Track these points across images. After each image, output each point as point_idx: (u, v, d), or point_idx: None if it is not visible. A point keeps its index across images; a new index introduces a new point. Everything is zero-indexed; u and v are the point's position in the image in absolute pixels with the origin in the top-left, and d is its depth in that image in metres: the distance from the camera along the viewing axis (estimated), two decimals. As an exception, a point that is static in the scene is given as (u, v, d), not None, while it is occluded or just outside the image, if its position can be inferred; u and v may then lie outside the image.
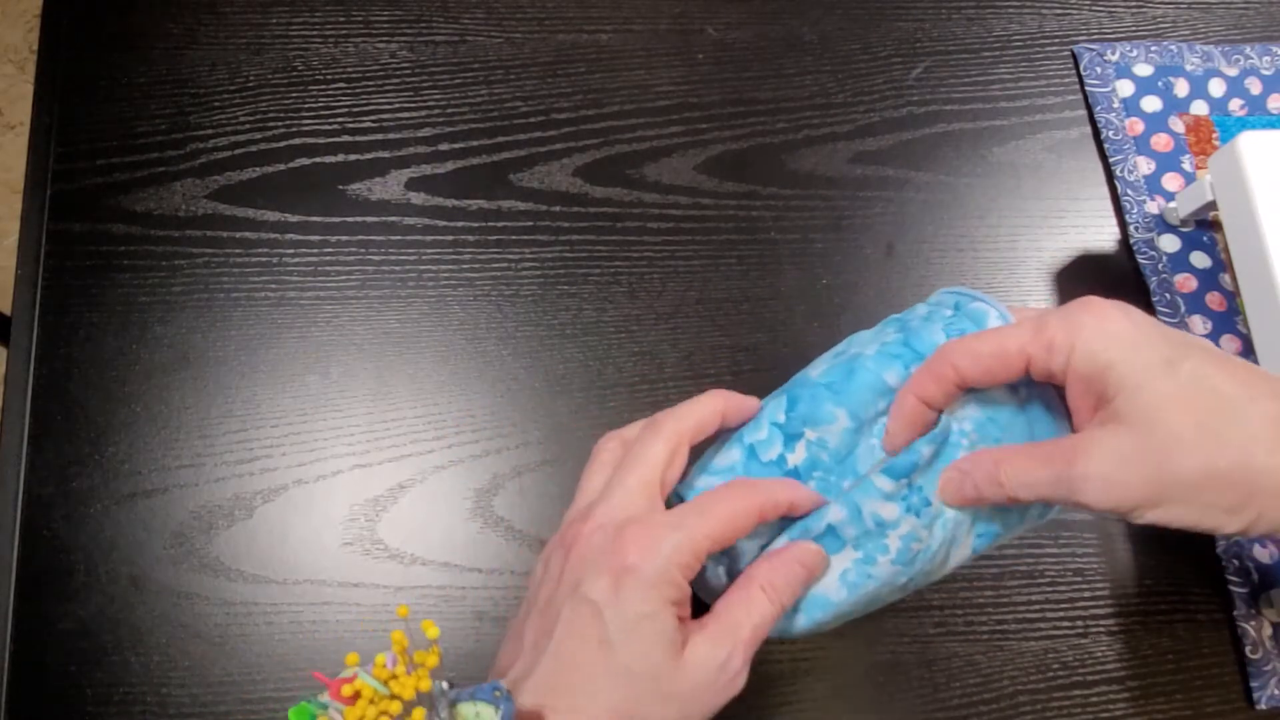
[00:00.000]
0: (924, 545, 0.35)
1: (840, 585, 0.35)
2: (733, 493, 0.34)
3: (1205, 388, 0.31)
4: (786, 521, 0.36)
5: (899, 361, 0.36)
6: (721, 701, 0.33)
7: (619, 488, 0.34)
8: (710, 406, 0.37)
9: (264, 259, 0.49)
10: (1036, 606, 0.46)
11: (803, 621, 0.36)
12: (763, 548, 0.36)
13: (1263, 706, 0.45)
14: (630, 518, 0.33)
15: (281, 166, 0.51)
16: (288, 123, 0.52)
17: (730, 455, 0.37)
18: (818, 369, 0.38)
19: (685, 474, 0.37)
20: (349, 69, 0.53)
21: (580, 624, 0.32)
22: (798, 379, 0.38)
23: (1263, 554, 0.47)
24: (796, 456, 0.36)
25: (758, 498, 0.34)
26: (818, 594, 0.35)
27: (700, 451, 0.38)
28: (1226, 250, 0.52)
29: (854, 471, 0.36)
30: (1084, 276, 0.52)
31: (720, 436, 0.38)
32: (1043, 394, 0.36)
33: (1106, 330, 0.32)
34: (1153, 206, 0.53)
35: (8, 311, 0.49)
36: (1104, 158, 0.54)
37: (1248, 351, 0.50)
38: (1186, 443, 0.31)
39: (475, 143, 0.52)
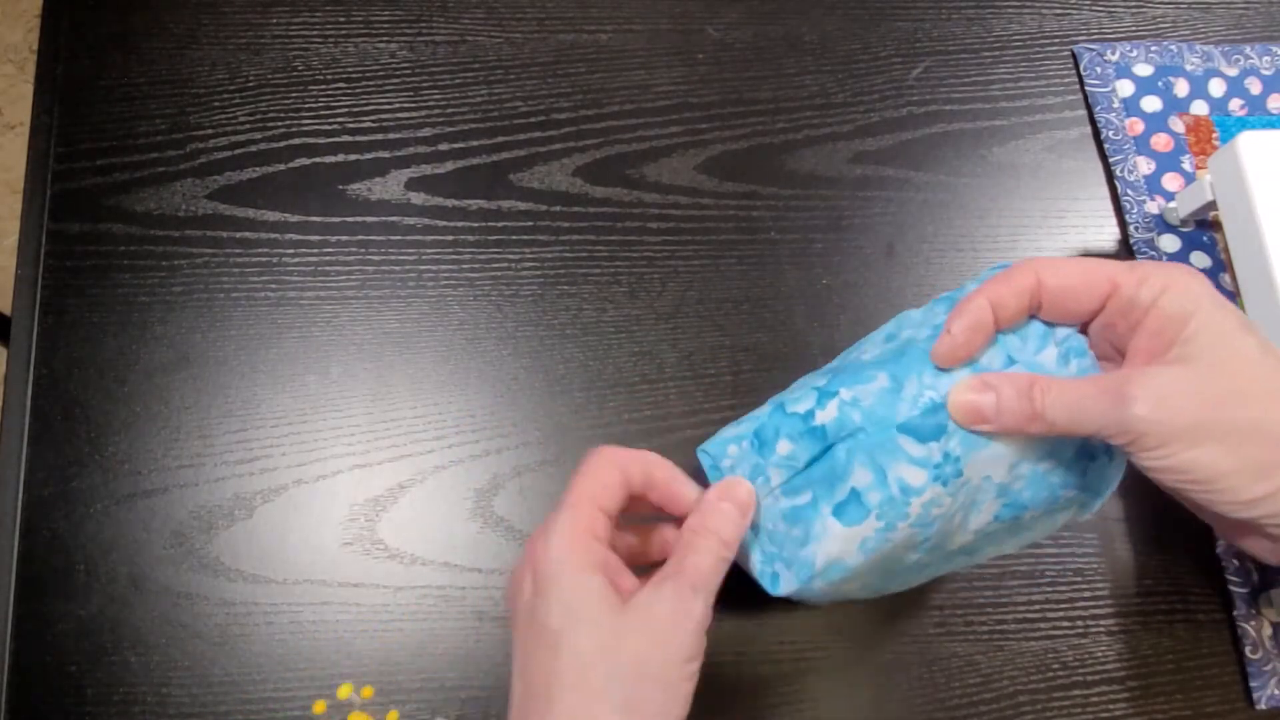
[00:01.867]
0: (943, 511, 0.34)
1: (858, 551, 0.34)
2: (589, 457, 0.35)
3: (1272, 362, 0.32)
4: (812, 478, 0.35)
5: None
6: (691, 640, 0.32)
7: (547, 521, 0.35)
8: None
9: (264, 259, 0.49)
10: (1036, 606, 0.46)
11: (819, 585, 0.35)
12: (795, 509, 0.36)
13: (1263, 706, 0.45)
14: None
15: (281, 166, 0.51)
16: (288, 123, 0.52)
17: (761, 409, 0.37)
18: (870, 352, 0.37)
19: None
20: (349, 69, 0.53)
21: (529, 636, 0.33)
22: (849, 361, 0.37)
23: (1263, 554, 0.47)
24: (827, 414, 0.35)
25: (615, 451, 0.35)
26: (835, 560, 0.35)
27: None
28: (1226, 250, 0.52)
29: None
30: (1084, 276, 0.52)
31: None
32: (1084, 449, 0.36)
33: (1194, 286, 0.33)
34: (1153, 206, 0.53)
35: (8, 311, 0.49)
36: (1104, 158, 0.54)
37: (1248, 351, 0.50)
38: (1247, 395, 0.32)
39: (475, 143, 0.52)
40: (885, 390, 0.34)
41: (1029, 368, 0.34)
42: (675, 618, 0.32)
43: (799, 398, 0.36)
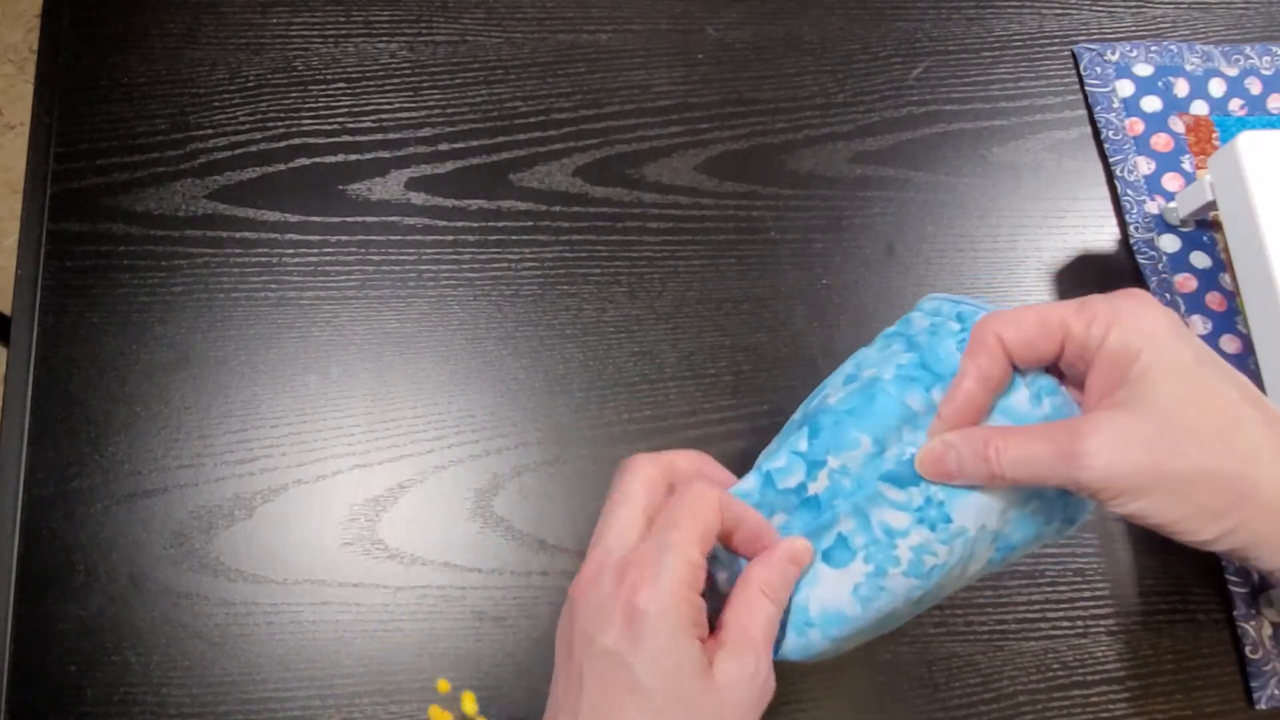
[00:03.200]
0: (940, 561, 0.34)
1: (854, 599, 0.35)
2: (689, 492, 0.34)
3: (1223, 396, 0.32)
4: (805, 529, 0.36)
5: (918, 385, 0.35)
6: (761, 710, 0.33)
7: (610, 526, 0.35)
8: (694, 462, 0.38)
9: (264, 259, 0.49)
10: (1036, 606, 0.46)
11: (818, 638, 0.35)
12: None
13: (1263, 706, 0.45)
14: (624, 556, 0.33)
15: (281, 166, 0.51)
16: (288, 123, 0.52)
17: (745, 482, 0.37)
18: (834, 396, 0.37)
19: None
20: (349, 69, 0.53)
21: (606, 677, 0.32)
22: (815, 408, 0.38)
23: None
24: (819, 485, 0.36)
25: (713, 489, 0.34)
26: (832, 610, 0.35)
27: None
28: (1226, 250, 0.52)
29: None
30: (1084, 276, 0.52)
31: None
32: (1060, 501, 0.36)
33: (1144, 319, 0.33)
34: (1153, 206, 0.53)
35: (8, 311, 0.49)
36: (1104, 158, 0.54)
37: (1248, 351, 0.50)
38: (1196, 439, 0.31)
39: (475, 143, 0.52)
40: (870, 455, 0.35)
41: (1002, 412, 0.35)
42: (763, 695, 0.33)
43: (786, 470, 0.36)
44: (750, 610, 0.34)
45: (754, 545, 0.35)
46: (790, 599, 0.35)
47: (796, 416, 0.39)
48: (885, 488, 0.34)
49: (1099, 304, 0.33)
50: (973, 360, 0.34)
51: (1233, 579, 0.46)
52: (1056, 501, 0.35)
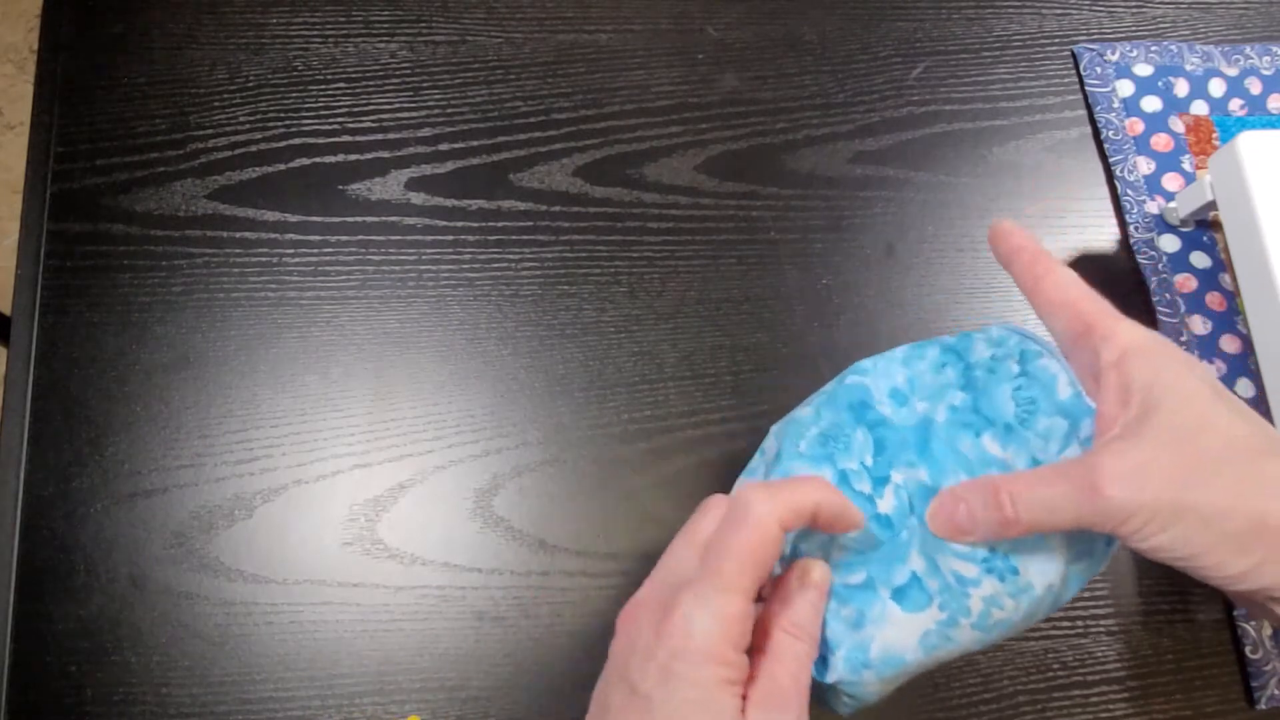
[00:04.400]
0: (1005, 615, 0.32)
1: (919, 646, 0.32)
2: (747, 517, 0.30)
3: (1241, 427, 0.31)
4: (870, 558, 0.33)
5: (969, 431, 0.35)
6: None
7: (672, 557, 0.33)
8: (811, 494, 0.32)
9: (264, 259, 0.49)
10: (1036, 606, 0.46)
11: (871, 679, 0.32)
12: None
13: (1263, 706, 0.45)
14: (676, 595, 0.30)
15: (281, 166, 0.51)
16: (288, 123, 0.52)
17: (820, 471, 0.35)
18: (887, 413, 0.35)
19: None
20: (349, 69, 0.53)
21: (631, 717, 0.30)
22: (873, 418, 0.35)
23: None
24: (887, 503, 0.34)
25: (776, 512, 0.30)
26: (895, 654, 0.32)
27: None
28: (1226, 250, 0.52)
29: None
30: (1084, 276, 0.51)
31: (782, 451, 0.36)
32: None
33: (1161, 353, 0.32)
34: (1153, 206, 0.53)
35: (8, 311, 0.49)
36: (1104, 158, 0.54)
37: (1248, 351, 0.50)
38: (1217, 470, 0.30)
39: (475, 143, 0.52)
40: (926, 488, 0.34)
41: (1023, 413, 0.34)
42: None
43: (859, 474, 0.34)
44: (780, 658, 0.31)
45: (840, 525, 0.32)
46: (848, 634, 0.33)
47: (839, 396, 0.36)
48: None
49: (1124, 327, 0.33)
50: (970, 512, 0.32)
51: (1233, 579, 0.46)
52: (1097, 555, 0.34)
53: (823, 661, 0.33)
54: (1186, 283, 0.51)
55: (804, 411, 0.37)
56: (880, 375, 0.37)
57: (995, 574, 0.33)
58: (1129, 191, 0.53)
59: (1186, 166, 0.54)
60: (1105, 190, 0.54)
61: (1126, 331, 0.33)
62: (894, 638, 0.32)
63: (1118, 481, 0.30)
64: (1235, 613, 0.46)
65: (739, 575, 0.30)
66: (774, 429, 0.38)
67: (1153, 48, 0.56)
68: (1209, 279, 0.52)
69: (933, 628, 0.32)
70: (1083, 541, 0.34)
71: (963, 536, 0.33)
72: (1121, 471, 0.30)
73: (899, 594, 0.33)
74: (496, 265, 0.50)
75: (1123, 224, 0.53)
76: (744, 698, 0.30)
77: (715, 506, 0.34)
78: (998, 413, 0.35)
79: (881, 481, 0.34)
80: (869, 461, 0.35)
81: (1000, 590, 0.32)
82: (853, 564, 0.33)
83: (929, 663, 0.33)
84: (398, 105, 0.52)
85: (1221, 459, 0.30)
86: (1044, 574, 0.33)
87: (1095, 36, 0.57)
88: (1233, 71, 0.56)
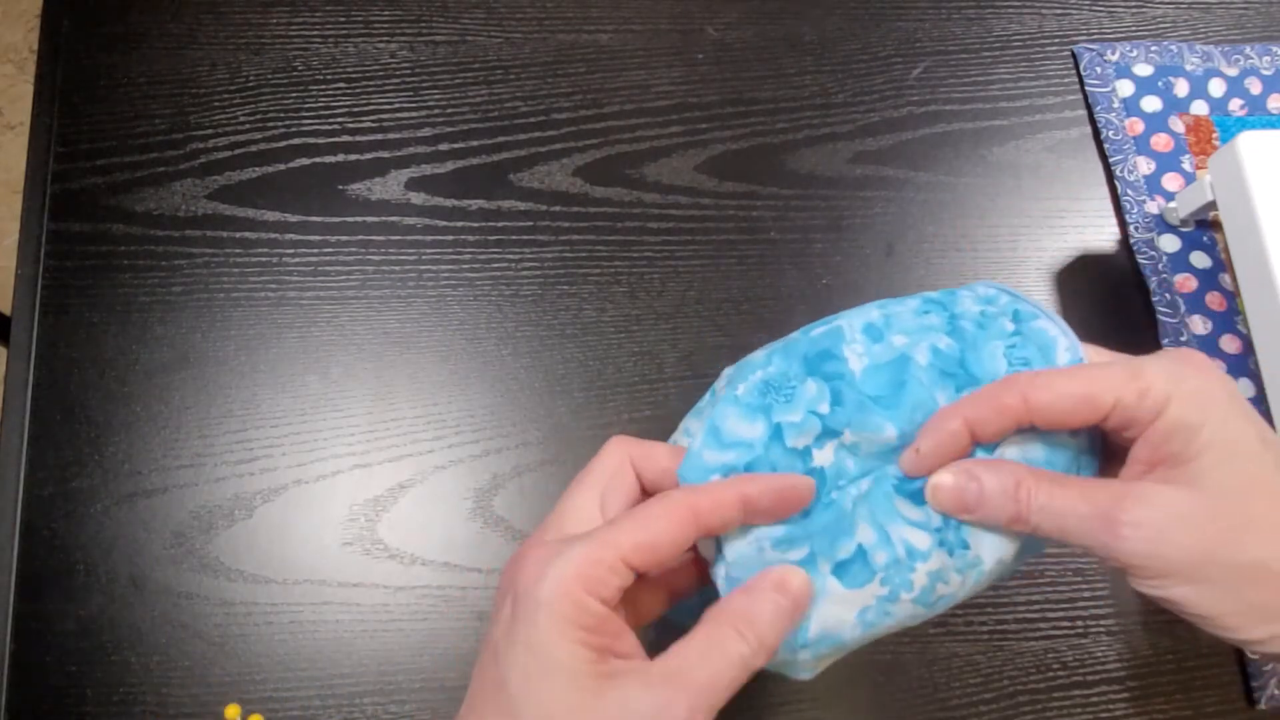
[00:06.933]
0: (950, 591, 0.31)
1: (857, 623, 0.30)
2: (666, 499, 0.29)
3: None
4: (811, 529, 0.30)
5: (952, 383, 0.31)
6: None
7: (570, 504, 0.30)
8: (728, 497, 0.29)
9: (264, 259, 0.49)
10: (1036, 606, 0.46)
11: (806, 659, 0.31)
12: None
13: (1263, 706, 0.45)
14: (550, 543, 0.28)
15: (281, 166, 0.51)
16: (288, 123, 0.52)
17: (751, 428, 0.31)
18: (856, 354, 0.31)
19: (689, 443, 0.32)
20: (349, 69, 0.53)
21: (482, 665, 0.28)
22: (832, 370, 0.31)
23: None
24: (824, 456, 0.31)
25: (698, 502, 0.28)
26: (831, 633, 0.30)
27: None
28: (1226, 250, 0.52)
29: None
30: (1084, 276, 0.52)
31: (721, 395, 0.32)
32: (1092, 435, 0.32)
33: (1205, 391, 0.29)
34: (1153, 206, 0.53)
35: (8, 311, 0.49)
36: (1104, 158, 0.54)
37: (1248, 351, 0.50)
38: (1256, 530, 0.28)
39: (475, 143, 0.52)
40: (890, 449, 0.31)
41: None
42: None
43: (800, 427, 0.31)
44: (707, 643, 0.28)
45: (784, 509, 0.30)
46: None
47: (798, 345, 0.32)
48: (900, 502, 0.31)
49: (1154, 373, 0.29)
50: (975, 403, 0.30)
51: (1233, 579, 0.46)
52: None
53: None
54: (1186, 283, 0.51)
55: (757, 355, 0.34)
56: (855, 315, 0.33)
57: (945, 547, 0.31)
58: (1129, 191, 0.53)
59: (1186, 166, 0.54)
60: (1105, 190, 0.54)
61: (1161, 378, 0.29)
62: (832, 615, 0.30)
63: (1142, 526, 0.28)
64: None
65: (630, 534, 0.27)
66: (726, 370, 0.35)
67: (1153, 48, 0.56)
68: (1209, 279, 0.52)
69: (872, 604, 0.30)
70: None
71: (960, 513, 0.30)
72: (1149, 515, 0.28)
73: (840, 569, 0.30)
74: (496, 265, 0.50)
75: (1123, 224, 0.53)
76: (603, 651, 0.27)
77: (616, 448, 0.31)
78: (985, 370, 0.31)
79: (830, 435, 0.31)
80: (824, 410, 0.31)
81: (947, 564, 0.31)
82: (795, 538, 0.30)
83: (866, 639, 0.31)
84: (398, 105, 0.52)
85: (1259, 519, 0.28)
86: (995, 549, 0.31)
87: (1095, 36, 0.57)
88: (1233, 71, 0.56)
